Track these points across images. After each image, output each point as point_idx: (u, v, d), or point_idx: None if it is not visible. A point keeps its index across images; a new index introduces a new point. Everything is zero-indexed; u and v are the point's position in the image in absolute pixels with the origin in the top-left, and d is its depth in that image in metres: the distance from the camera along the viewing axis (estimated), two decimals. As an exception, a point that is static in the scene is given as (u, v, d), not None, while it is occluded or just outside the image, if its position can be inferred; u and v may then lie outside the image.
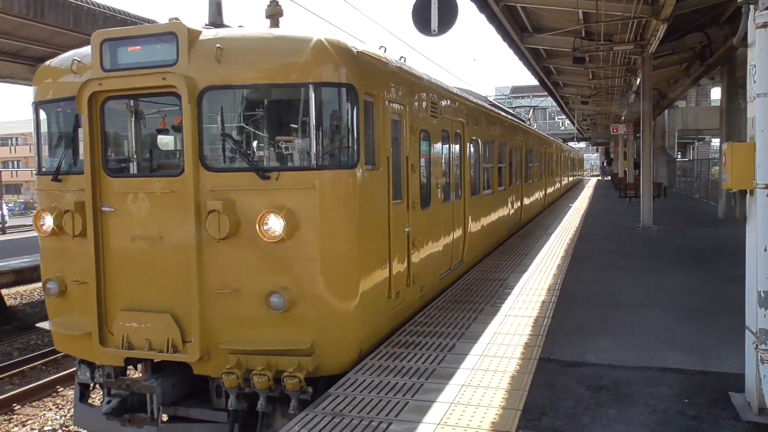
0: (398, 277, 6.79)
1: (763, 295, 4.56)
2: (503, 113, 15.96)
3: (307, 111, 5.46)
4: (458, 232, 9.75)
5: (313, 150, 5.48)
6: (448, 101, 9.31)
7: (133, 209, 5.77)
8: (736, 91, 20.31)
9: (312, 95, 5.43)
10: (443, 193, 8.93)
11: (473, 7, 13.90)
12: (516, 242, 14.72)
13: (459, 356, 6.05)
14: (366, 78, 5.93)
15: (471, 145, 10.87)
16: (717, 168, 23.39)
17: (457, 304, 8.25)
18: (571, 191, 40.26)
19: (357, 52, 5.90)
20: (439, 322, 7.34)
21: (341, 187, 5.61)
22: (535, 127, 30.65)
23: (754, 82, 4.50)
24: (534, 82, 26.78)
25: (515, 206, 16.33)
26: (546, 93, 33.07)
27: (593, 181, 61.60)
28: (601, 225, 18.69)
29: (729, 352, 5.99)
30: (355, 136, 5.70)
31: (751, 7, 4.53)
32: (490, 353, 6.15)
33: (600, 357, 6.08)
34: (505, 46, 19.87)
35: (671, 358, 6.02)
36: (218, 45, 5.44)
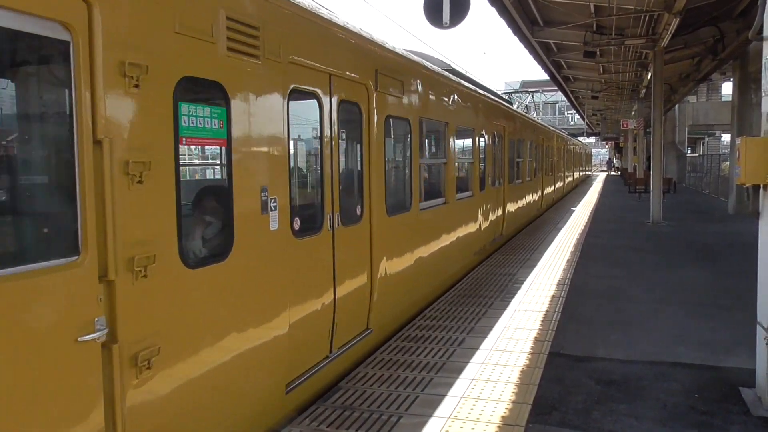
0: None
1: (775, 290, 4.53)
2: (474, 89, 11.01)
3: None
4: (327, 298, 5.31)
5: None
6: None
7: None
8: (748, 85, 20.14)
9: None
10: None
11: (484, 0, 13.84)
12: (521, 240, 14.68)
13: (469, 350, 6.05)
14: None
15: (392, 128, 6.96)
16: (727, 163, 23.24)
17: (466, 298, 8.25)
18: (578, 189, 38.08)
19: None
20: (448, 316, 7.34)
21: None
22: (535, 116, 27.80)
23: (769, 76, 4.46)
24: (544, 76, 26.65)
25: (491, 217, 12.13)
26: (556, 87, 32.89)
27: (602, 176, 61.27)
28: (610, 220, 18.61)
29: (739, 348, 5.96)
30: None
31: None
32: (500, 348, 6.15)
33: (610, 352, 6.07)
34: (515, 40, 19.67)
35: (682, 353, 6.00)
36: None
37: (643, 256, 11.86)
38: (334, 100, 5.30)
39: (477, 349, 6.10)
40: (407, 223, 7.23)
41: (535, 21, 16.68)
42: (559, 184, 27.25)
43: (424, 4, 9.37)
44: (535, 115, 29.48)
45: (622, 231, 15.92)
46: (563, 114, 72.56)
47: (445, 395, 4.94)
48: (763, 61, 4.60)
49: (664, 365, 5.68)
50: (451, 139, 9.09)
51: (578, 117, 56.87)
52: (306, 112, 5.29)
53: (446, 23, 9.11)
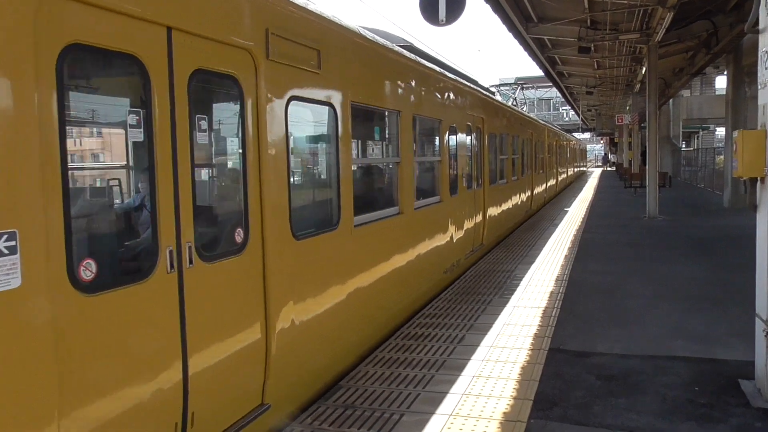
0: None
1: (773, 283, 4.55)
2: (442, 72, 9.13)
3: None
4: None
5: None
6: None
7: None
8: (741, 79, 20.22)
9: None
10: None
11: (479, -4, 13.85)
12: (519, 236, 14.70)
13: (469, 347, 6.07)
14: None
15: (304, 115, 5.37)
16: (722, 157, 23.32)
17: (465, 295, 8.26)
18: (573, 186, 37.40)
19: None
20: (447, 313, 7.35)
21: None
22: (526, 111, 25.43)
23: (766, 68, 4.48)
24: (539, 73, 26.67)
25: (467, 225, 10.21)
26: (551, 84, 32.93)
27: (597, 172, 61.41)
28: (607, 215, 18.65)
29: (737, 340, 5.99)
30: None
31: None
32: (500, 344, 6.16)
33: (609, 347, 6.09)
34: (509, 36, 19.72)
35: (680, 347, 6.02)
36: None
37: (639, 250, 11.89)
38: (180, 68, 3.50)
39: (477, 346, 6.12)
40: (334, 245, 5.38)
41: (529, 17, 16.69)
42: (552, 182, 25.35)
43: (420, 0, 9.36)
44: (526, 110, 28.22)
45: (619, 226, 15.96)
46: (558, 110, 72.65)
47: (447, 392, 4.95)
48: (759, 53, 4.61)
49: (663, 359, 5.70)
50: (406, 133, 7.18)
51: (573, 113, 56.99)
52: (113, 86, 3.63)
53: (442, 20, 9.09)
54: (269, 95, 4.33)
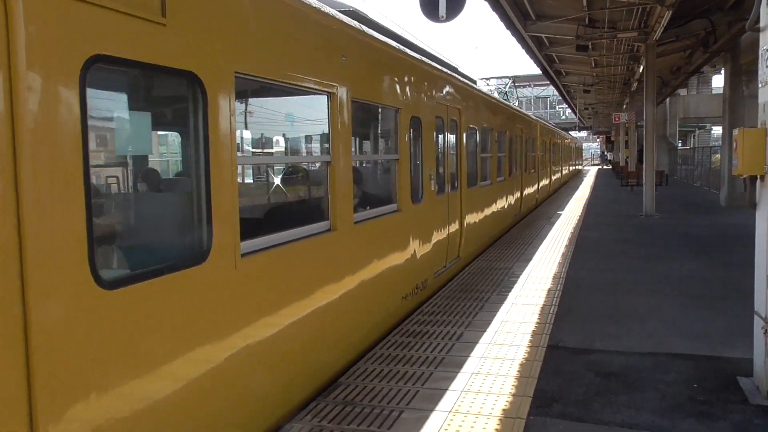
0: None
1: (773, 280, 4.56)
2: (401, 48, 7.40)
3: None
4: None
5: None
6: None
7: None
8: (739, 78, 20.27)
9: None
10: None
11: (477, -6, 13.82)
12: (516, 233, 14.71)
13: (468, 345, 6.06)
14: None
15: (133, 90, 4.20)
16: (718, 156, 23.38)
17: (463, 293, 8.26)
18: (569, 184, 36.67)
19: None
20: (446, 311, 7.35)
21: None
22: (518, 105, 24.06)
23: (766, 66, 4.48)
24: (536, 71, 26.69)
25: (436, 237, 8.48)
26: (548, 82, 32.95)
27: (594, 170, 61.51)
28: (603, 213, 18.68)
29: (736, 338, 6.00)
30: None
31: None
32: (499, 341, 6.17)
33: (608, 344, 6.10)
34: (507, 35, 19.69)
35: (679, 344, 6.03)
36: None
37: (637, 248, 11.91)
38: None
39: (476, 343, 6.11)
40: (187, 289, 3.41)
41: (527, 15, 16.69)
42: (545, 182, 23.46)
43: None
44: (516, 104, 26.17)
45: (616, 224, 15.99)
46: (555, 108, 72.74)
47: (446, 389, 4.95)
48: (760, 51, 4.61)
49: (662, 356, 5.71)
50: (339, 124, 5.33)
51: (570, 111, 57.05)
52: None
53: (442, 16, 9.07)
54: (36, 54, 2.52)
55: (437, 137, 8.58)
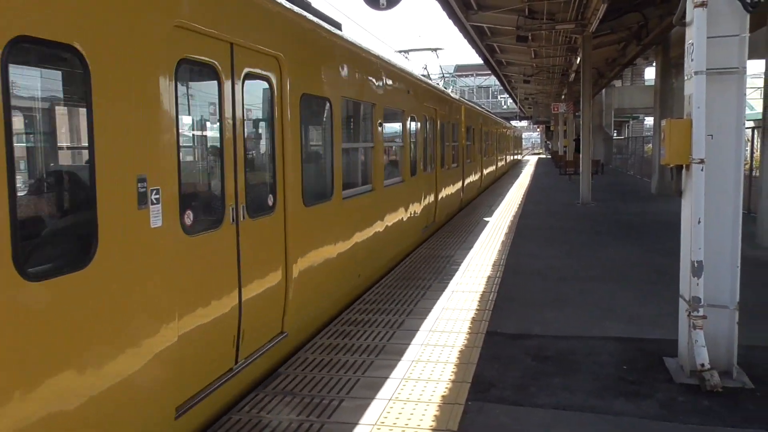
0: None
1: (696, 264, 4.78)
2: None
3: None
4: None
5: None
6: None
7: None
8: (669, 70, 21.08)
9: None
10: None
11: (419, -17, 13.81)
12: (458, 221, 14.90)
13: (408, 332, 6.10)
14: None
15: None
16: (650, 145, 24.32)
17: (405, 281, 8.31)
18: (510, 173, 37.10)
19: None
20: (387, 299, 7.37)
21: None
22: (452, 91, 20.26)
23: (692, 60, 4.65)
24: (478, 60, 26.97)
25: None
26: (490, 72, 33.40)
27: (534, 159, 62.96)
28: (542, 202, 19.16)
29: (664, 320, 6.27)
30: None
31: (689, -14, 4.66)
32: (439, 328, 6.23)
33: (545, 329, 6.26)
34: (449, 24, 19.69)
35: (611, 328, 6.26)
36: None
37: (574, 235, 12.27)
38: None
39: (417, 330, 6.16)
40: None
41: (469, 5, 16.82)
42: (473, 178, 20.30)
43: None
44: (452, 91, 21.18)
45: (554, 212, 16.43)
46: (497, 98, 73.97)
47: (387, 377, 4.97)
48: (686, 45, 4.78)
49: (596, 339, 5.91)
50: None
51: (511, 101, 58.13)
52: None
53: (383, 4, 9.03)
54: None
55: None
